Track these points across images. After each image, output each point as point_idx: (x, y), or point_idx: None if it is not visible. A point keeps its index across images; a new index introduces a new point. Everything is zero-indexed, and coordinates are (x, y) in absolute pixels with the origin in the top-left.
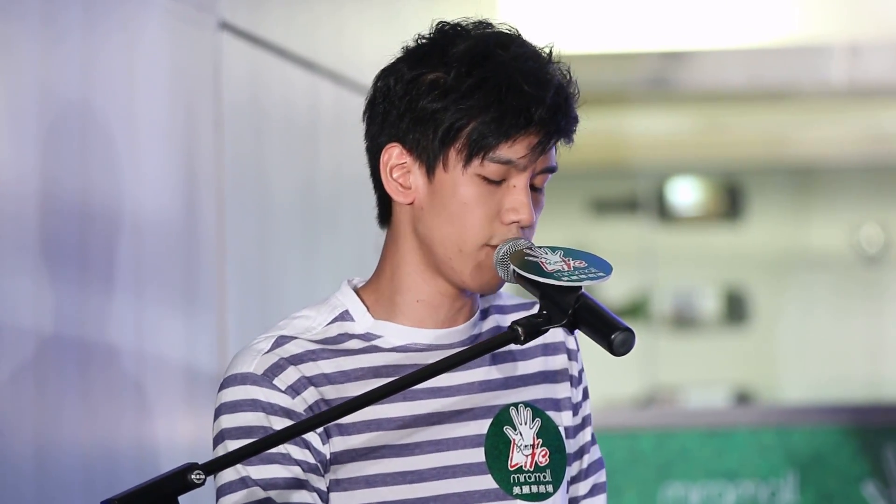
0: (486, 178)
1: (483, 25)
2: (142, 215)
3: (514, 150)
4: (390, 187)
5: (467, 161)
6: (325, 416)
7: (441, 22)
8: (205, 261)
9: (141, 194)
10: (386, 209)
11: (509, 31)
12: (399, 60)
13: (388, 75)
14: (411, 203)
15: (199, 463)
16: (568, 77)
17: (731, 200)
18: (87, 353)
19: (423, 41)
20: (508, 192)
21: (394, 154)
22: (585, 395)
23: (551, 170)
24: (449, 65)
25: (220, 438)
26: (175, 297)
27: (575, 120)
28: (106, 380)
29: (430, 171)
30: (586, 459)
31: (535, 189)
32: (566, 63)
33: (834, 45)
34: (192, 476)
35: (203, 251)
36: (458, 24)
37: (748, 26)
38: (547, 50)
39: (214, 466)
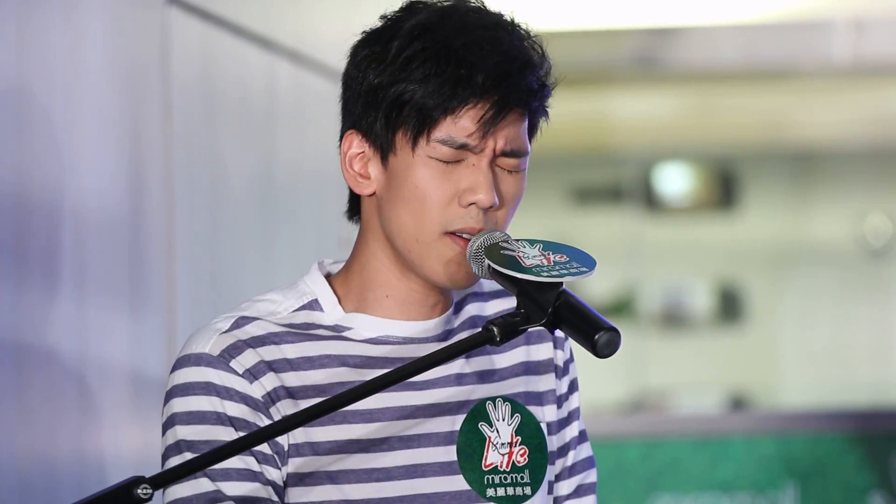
0: (439, 160)
1: (455, 1)
2: (84, 207)
3: (461, 127)
4: (349, 178)
5: (414, 141)
6: (290, 422)
7: (412, 1)
8: (152, 256)
9: (83, 184)
10: (355, 203)
11: (475, 3)
12: (357, 43)
13: (349, 60)
14: (373, 194)
15: (146, 476)
16: (539, 50)
17: (724, 189)
18: (24, 357)
19: (386, 20)
20: (466, 171)
21: (353, 143)
22: (573, 388)
23: (518, 153)
24: (395, 39)
25: (170, 423)
26: (120, 295)
27: (534, 92)
28: (45, 385)
29: (384, 158)
30: (572, 457)
31: (506, 171)
32: (537, 35)
33: (836, 20)
34: (139, 490)
35: (151, 245)
36: (425, 1)
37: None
38: (509, 19)
39: (162, 480)
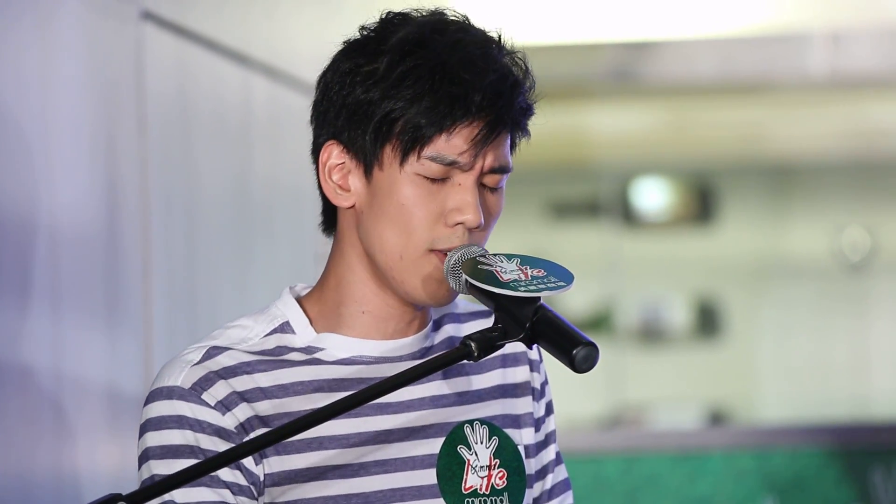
0: (426, 178)
1: (434, 14)
2: (58, 223)
3: (452, 145)
4: (328, 189)
5: (403, 157)
6: (265, 439)
7: (389, 11)
8: (128, 272)
9: (57, 200)
10: (330, 215)
11: (457, 17)
12: (338, 53)
13: (327, 71)
14: (352, 207)
15: (124, 493)
16: (523, 67)
17: (702, 203)
18: None
19: (366, 32)
20: (453, 190)
21: (333, 153)
22: (549, 410)
23: (504, 169)
24: (384, 53)
25: (144, 458)
26: (96, 311)
27: (524, 110)
28: (20, 402)
29: (367, 171)
30: (550, 480)
31: (489, 189)
32: (520, 51)
33: (813, 33)
34: None
35: (126, 261)
36: (404, 13)
37: (719, 13)
38: (496, 36)
39: (140, 497)
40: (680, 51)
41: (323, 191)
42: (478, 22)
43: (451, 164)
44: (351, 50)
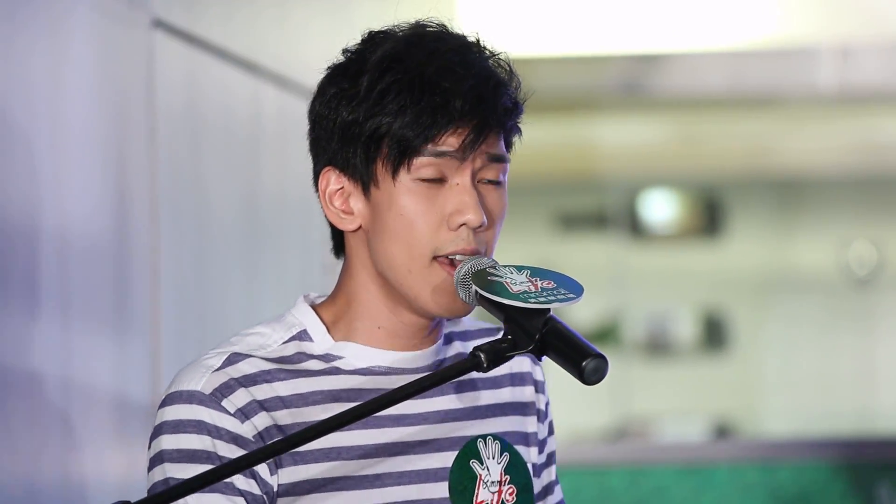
0: (422, 181)
1: (414, 27)
2: (67, 231)
3: (443, 148)
4: (331, 215)
5: (395, 172)
6: (279, 446)
7: (370, 31)
8: (137, 282)
9: (66, 208)
10: (339, 239)
11: (435, 28)
12: (323, 80)
13: (315, 99)
14: (358, 229)
15: (132, 501)
16: (508, 68)
17: (709, 216)
18: (6, 381)
19: (349, 54)
20: (451, 192)
21: (331, 179)
22: (551, 431)
23: (500, 158)
24: (364, 73)
25: (158, 460)
26: (105, 320)
27: (510, 110)
28: (28, 410)
29: (365, 191)
30: (551, 500)
31: (489, 186)
32: (503, 52)
33: (822, 47)
34: None
35: (135, 271)
36: (384, 31)
37: (728, 27)
38: (475, 41)
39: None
40: (688, 64)
41: (328, 217)
42: (483, 33)
43: (443, 155)
44: (335, 75)
